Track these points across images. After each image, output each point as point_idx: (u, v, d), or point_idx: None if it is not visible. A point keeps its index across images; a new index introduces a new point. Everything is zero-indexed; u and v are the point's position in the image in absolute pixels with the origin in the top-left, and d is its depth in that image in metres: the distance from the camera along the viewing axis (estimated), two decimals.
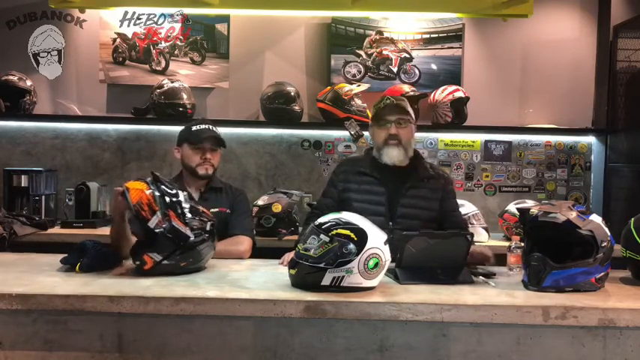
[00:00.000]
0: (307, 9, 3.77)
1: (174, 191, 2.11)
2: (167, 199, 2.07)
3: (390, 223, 2.49)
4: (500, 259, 2.32)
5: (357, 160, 2.84)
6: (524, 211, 2.07)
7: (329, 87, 3.86)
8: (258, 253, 2.67)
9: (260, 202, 3.48)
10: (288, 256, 2.33)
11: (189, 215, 2.10)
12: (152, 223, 2.02)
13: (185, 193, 2.18)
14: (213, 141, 2.76)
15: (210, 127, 2.79)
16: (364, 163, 2.69)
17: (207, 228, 2.14)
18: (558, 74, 4.05)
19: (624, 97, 3.89)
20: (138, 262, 2.06)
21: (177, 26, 3.88)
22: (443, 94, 3.82)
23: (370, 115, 2.74)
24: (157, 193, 2.06)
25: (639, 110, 3.73)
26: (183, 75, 3.96)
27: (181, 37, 3.92)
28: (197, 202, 2.67)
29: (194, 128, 2.77)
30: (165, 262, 2.04)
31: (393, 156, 2.60)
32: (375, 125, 2.66)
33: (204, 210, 2.21)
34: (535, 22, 3.92)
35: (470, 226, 3.33)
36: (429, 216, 2.59)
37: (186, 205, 2.12)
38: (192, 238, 2.07)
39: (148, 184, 2.08)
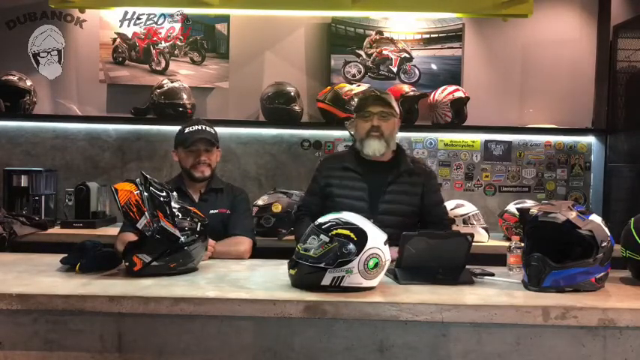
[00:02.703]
0: (307, 9, 3.76)
1: (164, 192, 2.10)
2: (156, 199, 2.06)
3: (372, 219, 2.49)
4: (501, 259, 2.32)
5: (341, 155, 2.86)
6: (524, 211, 2.07)
7: (329, 87, 3.86)
8: (258, 253, 2.68)
9: (260, 202, 3.48)
10: None
11: (179, 216, 2.09)
12: (140, 224, 2.02)
13: (175, 193, 2.17)
14: (205, 142, 2.72)
15: (203, 127, 2.75)
16: (348, 158, 2.73)
17: (198, 229, 2.13)
18: (558, 74, 4.05)
19: (624, 97, 3.88)
20: (127, 264, 2.06)
21: (177, 26, 3.88)
22: (443, 94, 3.82)
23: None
24: (145, 194, 2.04)
25: (639, 110, 3.72)
26: (183, 75, 3.96)
27: (181, 37, 3.92)
28: (197, 203, 2.68)
29: (186, 130, 2.74)
30: (154, 263, 2.04)
31: (374, 148, 2.64)
32: (358, 117, 2.69)
33: (196, 210, 2.20)
34: (535, 22, 3.91)
35: (470, 226, 3.34)
36: (410, 211, 2.65)
37: (175, 206, 2.11)
38: (181, 239, 2.06)
39: (137, 185, 2.07)
